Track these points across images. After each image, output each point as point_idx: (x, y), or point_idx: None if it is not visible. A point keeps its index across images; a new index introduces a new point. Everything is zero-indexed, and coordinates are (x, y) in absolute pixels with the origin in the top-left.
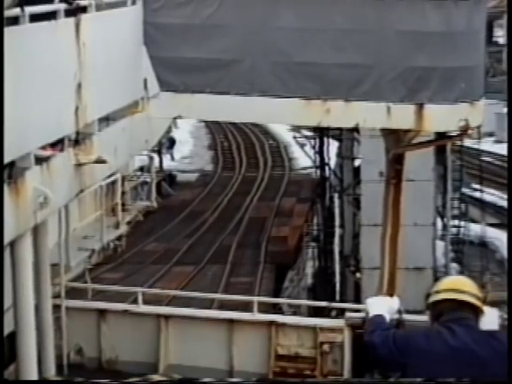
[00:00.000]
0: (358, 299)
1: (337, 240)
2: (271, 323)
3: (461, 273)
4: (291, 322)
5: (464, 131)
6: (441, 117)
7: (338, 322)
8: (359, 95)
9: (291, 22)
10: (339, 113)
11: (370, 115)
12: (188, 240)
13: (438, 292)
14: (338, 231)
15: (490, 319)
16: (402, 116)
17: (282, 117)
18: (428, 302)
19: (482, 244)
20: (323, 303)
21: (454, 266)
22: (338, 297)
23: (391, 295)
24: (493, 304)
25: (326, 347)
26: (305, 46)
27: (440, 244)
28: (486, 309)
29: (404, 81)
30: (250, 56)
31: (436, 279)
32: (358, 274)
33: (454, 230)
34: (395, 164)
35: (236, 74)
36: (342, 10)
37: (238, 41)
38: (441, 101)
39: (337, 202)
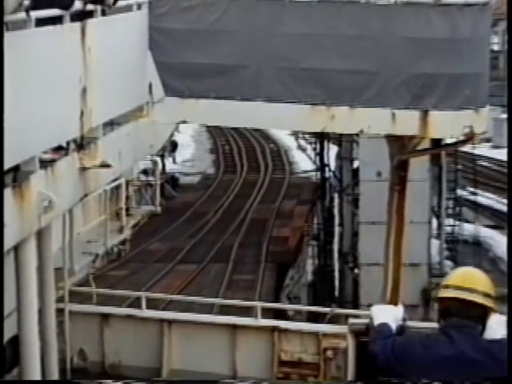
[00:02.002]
0: (356, 295)
1: (336, 238)
2: (274, 329)
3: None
4: (294, 328)
5: (469, 138)
6: (445, 123)
7: (342, 328)
8: (364, 101)
9: (296, 28)
10: (344, 119)
11: (374, 121)
12: (191, 240)
13: (447, 286)
14: (337, 230)
15: (495, 327)
16: (406, 122)
17: (287, 122)
18: (436, 296)
19: (476, 243)
20: (327, 309)
21: (448, 263)
22: (336, 293)
23: (395, 302)
24: None
25: (329, 353)
26: (310, 52)
27: (435, 242)
28: (495, 317)
29: (409, 87)
30: (255, 62)
31: (431, 275)
32: (356, 270)
33: (448, 229)
34: (399, 170)
35: (241, 80)
36: (348, 17)
37: (243, 46)
38: (445, 107)
39: (336, 201)
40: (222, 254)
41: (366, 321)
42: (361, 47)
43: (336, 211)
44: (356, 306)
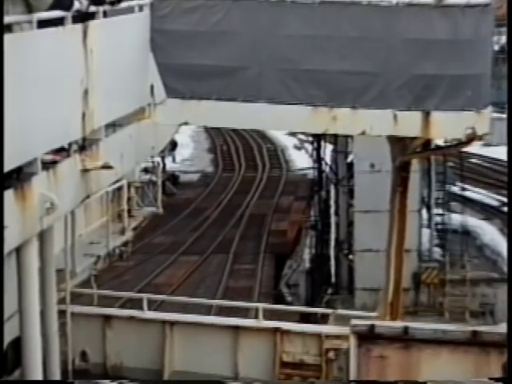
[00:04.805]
0: (351, 280)
1: (333, 228)
2: (276, 330)
3: (443, 256)
4: (296, 329)
5: (471, 139)
6: (447, 124)
7: (344, 330)
8: (366, 103)
9: (298, 29)
10: (346, 120)
11: (376, 123)
12: (193, 233)
13: None
14: (333, 220)
15: None
16: (408, 123)
17: (289, 124)
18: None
19: (465, 232)
20: (328, 311)
21: (437, 250)
22: (333, 279)
23: (397, 305)
24: (473, 282)
25: (331, 354)
26: (312, 54)
27: (426, 231)
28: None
29: (411, 88)
30: (257, 63)
31: (421, 261)
32: (350, 256)
33: (438, 218)
34: (401, 171)
35: (243, 81)
36: (349, 18)
37: (245, 48)
38: (447, 108)
39: (333, 193)
40: (223, 246)
41: (368, 322)
42: (362, 48)
43: (332, 202)
44: (351, 289)
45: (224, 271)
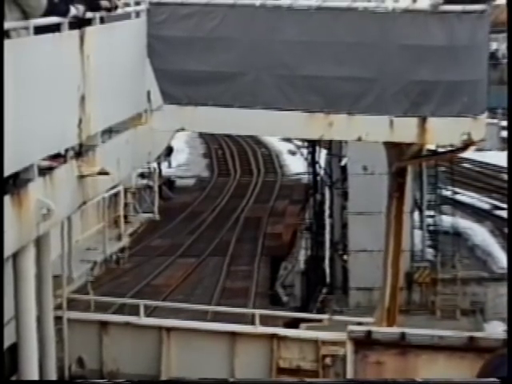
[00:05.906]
0: (345, 279)
1: (328, 229)
2: (273, 336)
3: (435, 256)
4: (293, 335)
5: (467, 145)
6: (443, 130)
7: (340, 336)
8: (362, 108)
9: (294, 35)
10: (342, 126)
11: (372, 128)
12: (190, 236)
13: None
14: (328, 221)
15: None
16: (404, 129)
17: (285, 130)
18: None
19: (456, 233)
20: (325, 316)
21: (430, 251)
22: (327, 279)
23: (394, 312)
24: (463, 281)
25: (327, 360)
26: (308, 60)
27: (418, 233)
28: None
29: (407, 94)
30: (254, 69)
31: (413, 261)
32: (345, 257)
33: (430, 220)
34: (398, 177)
35: (239, 87)
36: (345, 24)
37: (241, 54)
38: (443, 114)
39: (327, 195)
40: (219, 249)
41: (365, 328)
42: (359, 54)
43: (327, 204)
44: (345, 289)
45: (221, 272)
